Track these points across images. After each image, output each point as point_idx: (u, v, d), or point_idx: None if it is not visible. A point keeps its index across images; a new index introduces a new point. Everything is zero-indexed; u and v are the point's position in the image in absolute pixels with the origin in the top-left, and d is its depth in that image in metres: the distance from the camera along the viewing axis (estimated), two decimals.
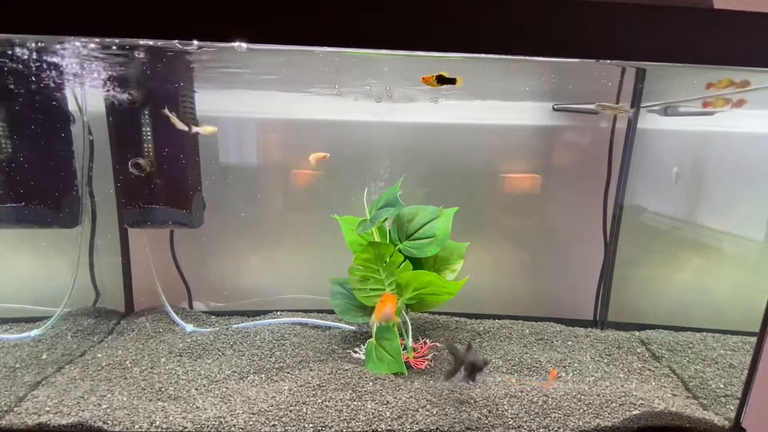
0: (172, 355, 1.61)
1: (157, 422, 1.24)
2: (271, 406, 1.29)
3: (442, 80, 1.34)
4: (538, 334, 1.84)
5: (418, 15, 0.99)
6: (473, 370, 1.29)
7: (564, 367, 1.59)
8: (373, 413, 1.27)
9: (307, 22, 0.99)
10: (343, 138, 1.95)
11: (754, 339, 1.34)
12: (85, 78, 1.53)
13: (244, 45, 1.02)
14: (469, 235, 1.77)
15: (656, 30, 1.02)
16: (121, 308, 1.97)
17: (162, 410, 1.29)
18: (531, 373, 1.55)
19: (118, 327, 1.83)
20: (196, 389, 1.41)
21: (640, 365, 1.63)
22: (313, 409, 1.28)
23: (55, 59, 1.37)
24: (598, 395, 1.38)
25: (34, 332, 1.71)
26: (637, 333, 1.91)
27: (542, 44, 1.03)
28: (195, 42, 1.00)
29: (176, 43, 1.05)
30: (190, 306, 2.04)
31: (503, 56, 1.06)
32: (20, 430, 1.22)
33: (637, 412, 1.31)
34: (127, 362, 1.54)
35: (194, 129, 1.61)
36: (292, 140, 1.99)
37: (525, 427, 1.26)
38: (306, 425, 1.23)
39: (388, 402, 1.32)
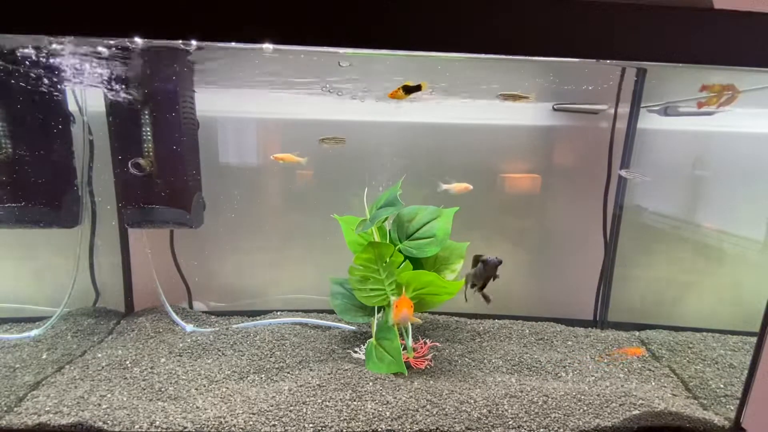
0: (172, 355, 1.61)
1: (157, 422, 1.24)
2: (271, 406, 1.29)
3: (408, 90, 1.37)
4: (538, 334, 1.85)
5: (418, 15, 1.00)
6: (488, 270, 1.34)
7: (564, 367, 1.59)
8: (373, 413, 1.27)
9: (305, 22, 0.99)
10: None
11: (754, 339, 1.34)
12: (85, 78, 1.53)
13: (241, 45, 1.02)
14: (469, 235, 1.77)
15: (656, 30, 1.02)
16: (121, 308, 1.97)
17: (162, 410, 1.29)
18: (531, 373, 1.55)
19: (118, 327, 1.83)
20: (196, 389, 1.41)
21: (640, 365, 1.63)
22: (313, 409, 1.28)
23: (55, 59, 1.37)
24: (598, 395, 1.38)
25: (34, 332, 1.71)
26: (637, 333, 1.91)
27: (542, 44, 1.03)
28: (194, 42, 1.00)
29: (177, 43, 1.05)
30: (190, 306, 2.05)
31: (503, 56, 1.06)
32: (20, 430, 1.22)
33: (637, 412, 1.31)
34: (127, 362, 1.54)
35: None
36: (293, 140, 1.99)
37: (525, 427, 1.26)
38: (306, 425, 1.23)
39: (388, 402, 1.32)
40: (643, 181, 1.73)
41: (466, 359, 1.62)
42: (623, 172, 1.74)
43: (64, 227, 1.67)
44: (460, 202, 1.67)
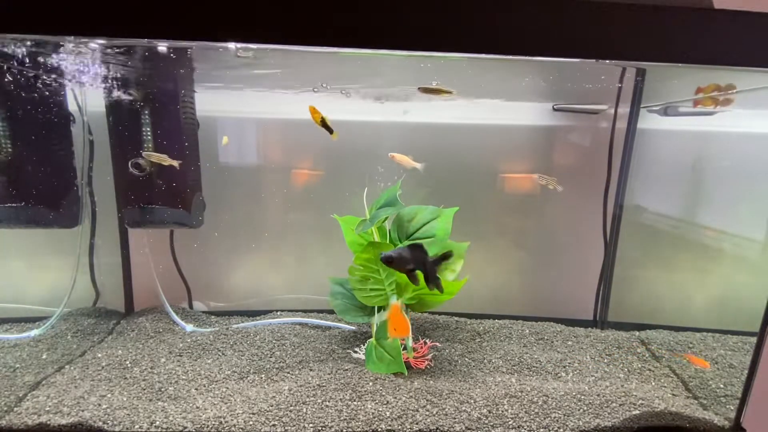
0: (172, 355, 1.61)
1: (157, 422, 1.24)
2: (271, 406, 1.29)
3: (324, 124, 1.42)
4: (538, 334, 1.84)
5: (418, 15, 0.99)
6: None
7: (564, 367, 1.59)
8: (373, 413, 1.27)
9: (307, 22, 0.99)
10: (343, 138, 1.95)
11: (754, 339, 1.34)
12: (85, 78, 1.53)
13: (240, 45, 1.02)
14: (469, 235, 1.77)
15: (656, 30, 1.02)
16: (121, 308, 1.97)
17: (162, 410, 1.29)
18: (531, 373, 1.55)
19: (118, 327, 1.83)
20: (196, 389, 1.41)
21: (640, 365, 1.63)
22: (313, 409, 1.28)
23: (55, 59, 1.37)
24: (598, 395, 1.38)
25: (34, 332, 1.71)
26: (637, 333, 1.90)
27: (542, 44, 1.03)
28: (194, 43, 1.00)
29: (177, 43, 1.05)
30: (190, 306, 2.04)
31: (503, 56, 1.06)
32: (20, 430, 1.22)
33: (637, 412, 1.31)
34: (127, 362, 1.54)
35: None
36: (292, 140, 1.99)
37: (525, 427, 1.26)
38: (306, 425, 1.23)
39: (388, 402, 1.32)
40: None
41: (466, 359, 1.62)
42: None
43: (64, 227, 1.67)
44: (460, 202, 1.67)
